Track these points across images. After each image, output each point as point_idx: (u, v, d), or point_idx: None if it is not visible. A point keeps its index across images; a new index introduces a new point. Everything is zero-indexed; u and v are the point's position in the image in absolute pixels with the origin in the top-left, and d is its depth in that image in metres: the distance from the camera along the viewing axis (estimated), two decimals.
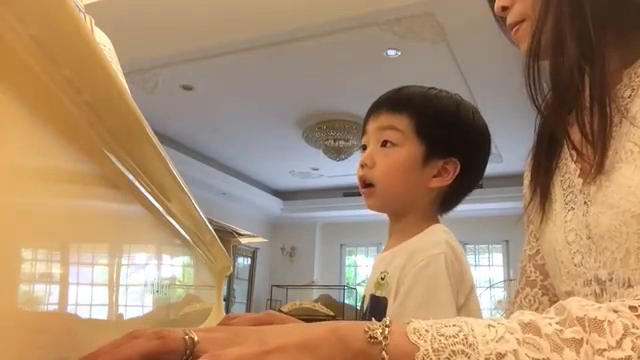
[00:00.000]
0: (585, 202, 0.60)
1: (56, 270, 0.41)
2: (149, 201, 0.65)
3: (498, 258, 8.09)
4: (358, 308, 5.56)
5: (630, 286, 0.53)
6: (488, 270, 8.11)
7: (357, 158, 0.92)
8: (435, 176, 0.85)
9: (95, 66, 0.39)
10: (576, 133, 0.59)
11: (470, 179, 0.89)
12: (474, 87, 4.62)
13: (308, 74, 4.76)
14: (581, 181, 0.61)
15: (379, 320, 0.42)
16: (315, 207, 8.68)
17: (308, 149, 6.50)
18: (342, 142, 5.98)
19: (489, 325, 0.41)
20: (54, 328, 0.40)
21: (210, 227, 1.05)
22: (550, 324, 0.41)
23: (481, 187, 1.17)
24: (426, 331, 0.41)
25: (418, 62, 4.28)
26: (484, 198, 5.76)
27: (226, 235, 1.65)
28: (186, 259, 1.05)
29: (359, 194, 0.90)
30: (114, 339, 0.39)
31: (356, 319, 0.90)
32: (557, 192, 0.66)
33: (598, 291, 0.57)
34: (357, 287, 8.45)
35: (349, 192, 7.79)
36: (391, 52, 4.21)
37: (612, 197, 0.54)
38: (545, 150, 0.69)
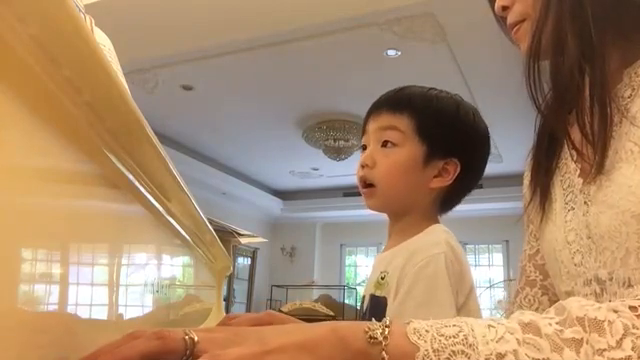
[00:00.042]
0: (585, 202, 0.60)
1: (56, 270, 0.41)
2: (149, 201, 0.65)
3: (498, 258, 8.09)
4: (358, 308, 5.56)
5: (630, 286, 0.53)
6: (488, 270, 8.11)
7: (357, 158, 0.92)
8: (435, 176, 0.85)
9: (95, 66, 0.39)
10: (576, 133, 0.59)
11: (470, 179, 0.89)
12: (474, 87, 4.62)
13: (308, 74, 4.76)
14: (581, 181, 0.61)
15: (379, 320, 0.42)
16: (315, 207, 8.68)
17: (308, 149, 6.50)
18: (342, 142, 5.97)
19: (489, 325, 0.41)
20: (54, 328, 0.40)
21: (210, 227, 1.05)
22: (550, 324, 0.41)
23: (481, 187, 1.17)
24: (426, 331, 0.41)
25: (418, 62, 4.28)
26: (484, 198, 5.76)
27: (226, 235, 1.65)
28: (186, 259, 1.05)
29: (359, 194, 0.90)
30: (114, 339, 0.39)
31: (356, 319, 0.90)
32: (557, 192, 0.66)
33: (598, 291, 0.57)
34: (357, 287, 8.45)
35: (349, 192, 7.79)
36: (391, 52, 4.21)
37: (612, 197, 0.54)
38: (545, 150, 0.69)
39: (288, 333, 0.41)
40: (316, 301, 7.18)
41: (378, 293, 0.83)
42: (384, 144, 0.86)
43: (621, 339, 0.39)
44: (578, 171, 0.63)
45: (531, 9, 0.62)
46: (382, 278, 0.83)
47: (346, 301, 7.81)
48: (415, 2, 3.53)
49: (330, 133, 5.91)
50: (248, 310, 7.76)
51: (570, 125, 0.61)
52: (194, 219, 0.92)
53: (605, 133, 0.55)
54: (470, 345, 0.40)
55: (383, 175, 0.86)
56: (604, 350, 0.39)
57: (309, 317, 5.81)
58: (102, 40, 0.94)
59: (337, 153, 6.15)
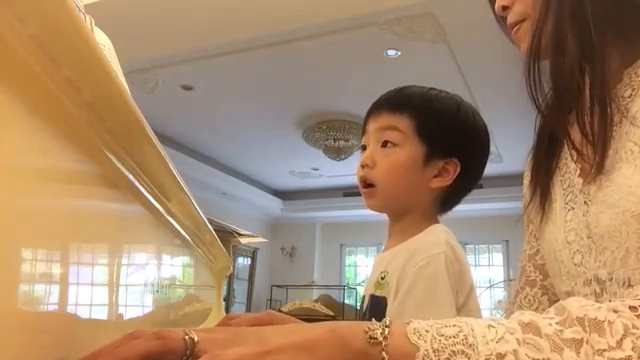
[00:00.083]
0: (585, 202, 0.60)
1: (56, 270, 0.41)
2: (149, 201, 0.65)
3: (498, 258, 8.09)
4: (358, 308, 5.56)
5: (630, 286, 0.53)
6: (488, 270, 8.11)
7: (357, 158, 0.92)
8: (435, 176, 0.86)
9: (95, 66, 0.39)
10: (576, 133, 0.59)
11: (470, 179, 0.89)
12: (474, 87, 4.62)
13: (308, 74, 4.76)
14: (581, 181, 0.61)
15: (379, 320, 0.42)
16: (315, 207, 8.68)
17: (308, 149, 6.50)
18: (342, 142, 5.98)
19: (489, 325, 0.41)
20: (54, 328, 0.40)
21: (210, 227, 1.05)
22: (550, 324, 0.41)
23: (481, 187, 1.17)
24: (426, 331, 0.41)
25: (418, 62, 4.28)
26: (484, 198, 5.76)
27: (226, 235, 1.65)
28: (186, 259, 1.05)
29: (359, 194, 0.90)
30: (114, 339, 0.39)
31: (356, 319, 0.90)
32: (557, 192, 0.66)
33: (598, 291, 0.57)
34: (357, 287, 8.45)
35: (349, 192, 7.79)
36: (391, 52, 4.21)
37: (612, 197, 0.54)
38: (545, 150, 0.69)
39: (288, 333, 0.41)
40: (316, 301, 7.18)
41: (378, 293, 0.83)
42: (384, 144, 0.86)
43: (621, 339, 0.39)
44: (578, 171, 0.63)
45: (531, 9, 0.62)
46: (382, 278, 0.83)
47: (346, 301, 7.81)
48: (415, 2, 3.53)
49: (330, 133, 5.91)
50: (248, 310, 7.76)
51: (570, 125, 0.61)
52: (194, 219, 0.92)
53: (605, 133, 0.55)
54: (470, 345, 0.40)
55: (383, 175, 0.86)
56: (604, 350, 0.39)
57: (309, 317, 5.81)
58: (102, 40, 0.94)
59: (337, 153, 6.15)
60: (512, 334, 0.40)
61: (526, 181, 0.75)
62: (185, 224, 0.88)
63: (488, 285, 7.79)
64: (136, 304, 0.66)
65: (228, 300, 6.94)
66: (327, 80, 4.87)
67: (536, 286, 0.75)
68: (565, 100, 0.60)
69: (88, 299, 0.48)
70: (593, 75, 0.57)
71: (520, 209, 0.75)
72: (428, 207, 0.88)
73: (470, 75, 4.49)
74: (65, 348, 0.41)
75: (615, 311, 0.41)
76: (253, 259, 8.35)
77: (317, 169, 7.57)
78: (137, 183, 0.58)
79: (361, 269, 9.11)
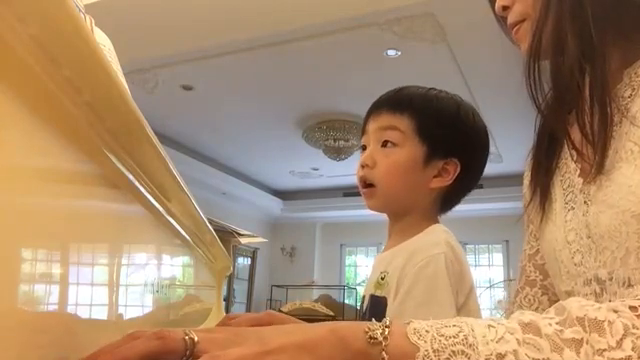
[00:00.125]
0: (585, 202, 0.60)
1: (56, 270, 0.41)
2: (149, 201, 0.65)
3: (498, 258, 8.09)
4: (358, 308, 5.56)
5: (630, 286, 0.53)
6: (488, 270, 8.11)
7: (357, 158, 0.92)
8: (435, 176, 0.86)
9: (95, 66, 0.39)
10: (576, 133, 0.59)
11: (470, 179, 0.89)
12: (474, 87, 4.62)
13: (308, 74, 4.76)
14: (581, 181, 0.61)
15: (379, 320, 0.42)
16: (315, 207, 8.68)
17: (308, 149, 6.50)
18: (342, 142, 5.97)
19: (489, 325, 0.41)
20: (54, 328, 0.40)
21: (210, 227, 1.05)
22: (550, 324, 0.41)
23: (481, 187, 1.17)
24: (426, 331, 0.41)
25: (418, 62, 4.28)
26: (484, 198, 5.76)
27: (226, 235, 1.64)
28: (186, 259, 1.05)
29: (359, 194, 0.90)
30: (114, 339, 0.39)
31: (356, 319, 0.90)
32: (557, 192, 0.66)
33: (598, 291, 0.57)
34: (357, 287, 8.45)
35: (349, 192, 7.79)
36: (391, 52, 4.21)
37: (612, 197, 0.54)
38: (545, 150, 0.69)
39: (288, 333, 0.41)
40: (316, 301, 7.18)
41: (378, 293, 0.83)
42: (384, 144, 0.86)
43: (621, 339, 0.39)
44: (578, 171, 0.63)
45: (531, 9, 0.62)
46: (382, 278, 0.83)
47: (346, 301, 7.81)
48: (415, 2, 3.53)
49: (330, 133, 5.91)
50: (248, 310, 7.76)
51: (570, 125, 0.61)
52: (194, 219, 0.92)
53: (605, 133, 0.55)
54: (470, 345, 0.40)
55: (383, 175, 0.86)
56: (604, 350, 0.39)
57: (309, 317, 5.81)
58: (102, 40, 0.94)
59: (337, 153, 6.15)
60: (512, 334, 0.40)
61: (526, 181, 0.75)
62: (185, 224, 0.88)
63: (488, 285, 7.79)
64: (136, 304, 0.66)
65: (228, 300, 6.94)
66: (327, 80, 4.87)
67: (536, 286, 0.75)
68: (565, 100, 0.60)
69: (88, 299, 0.48)
70: (593, 75, 0.57)
71: (520, 209, 0.75)
72: (428, 207, 0.88)
73: (470, 75, 4.49)
74: (65, 348, 0.41)
75: (615, 311, 0.41)
76: (253, 259, 8.35)
77: (317, 169, 7.57)
78: (137, 183, 0.58)
79: (361, 269, 9.11)
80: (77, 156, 0.44)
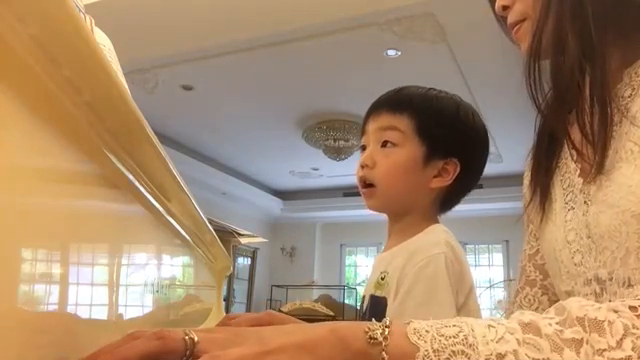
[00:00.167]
0: (585, 201, 0.60)
1: (56, 270, 0.41)
2: (149, 201, 0.65)
3: (498, 258, 8.09)
4: (358, 308, 5.56)
5: (630, 285, 0.53)
6: (488, 270, 8.11)
7: (357, 158, 0.92)
8: (435, 176, 0.86)
9: (95, 66, 0.39)
10: (576, 133, 0.59)
11: (470, 179, 0.89)
12: (474, 87, 4.62)
13: (308, 74, 4.76)
14: (581, 180, 0.61)
15: (379, 320, 0.42)
16: (315, 207, 8.68)
17: (308, 149, 6.50)
18: (342, 142, 5.98)
19: (489, 325, 0.41)
20: (54, 328, 0.40)
21: (210, 227, 1.05)
22: (550, 324, 0.41)
23: (481, 187, 1.17)
24: (426, 331, 0.41)
25: (418, 62, 4.28)
26: (484, 198, 5.76)
27: (226, 235, 1.64)
28: (186, 259, 1.05)
29: (359, 194, 0.90)
30: (114, 339, 0.39)
31: (356, 319, 0.90)
32: (557, 192, 0.66)
33: (598, 291, 0.57)
34: (357, 287, 8.45)
35: (349, 192, 7.79)
36: (391, 52, 4.21)
37: (612, 196, 0.54)
38: (545, 150, 0.69)
39: (288, 333, 0.41)
40: (316, 301, 7.18)
41: (378, 293, 0.83)
42: (384, 144, 0.86)
43: (621, 339, 0.39)
44: (578, 171, 0.63)
45: (531, 9, 0.62)
46: (382, 278, 0.83)
47: (346, 301, 7.81)
48: (415, 2, 3.53)
49: (330, 133, 5.91)
50: (248, 310, 7.76)
51: (570, 125, 0.61)
52: (194, 219, 0.92)
53: (605, 133, 0.55)
54: (470, 345, 0.40)
55: (383, 175, 0.86)
56: (604, 350, 0.39)
57: (309, 317, 5.81)
58: (102, 40, 0.94)
59: (337, 153, 6.15)
60: (512, 334, 0.40)
61: (526, 181, 0.75)
62: (185, 224, 0.88)
63: (488, 285, 7.79)
64: (136, 304, 0.66)
65: (228, 300, 6.94)
66: (327, 80, 4.87)
67: (536, 286, 0.75)
68: (565, 100, 0.60)
69: (88, 299, 0.48)
70: (593, 75, 0.57)
71: (520, 209, 0.75)
72: (428, 207, 0.88)
73: (470, 75, 4.49)
74: (65, 348, 0.41)
75: (615, 311, 0.41)
76: (253, 259, 8.35)
77: (317, 169, 7.57)
78: (137, 183, 0.58)
79: (361, 269, 9.11)
80: (77, 156, 0.44)
